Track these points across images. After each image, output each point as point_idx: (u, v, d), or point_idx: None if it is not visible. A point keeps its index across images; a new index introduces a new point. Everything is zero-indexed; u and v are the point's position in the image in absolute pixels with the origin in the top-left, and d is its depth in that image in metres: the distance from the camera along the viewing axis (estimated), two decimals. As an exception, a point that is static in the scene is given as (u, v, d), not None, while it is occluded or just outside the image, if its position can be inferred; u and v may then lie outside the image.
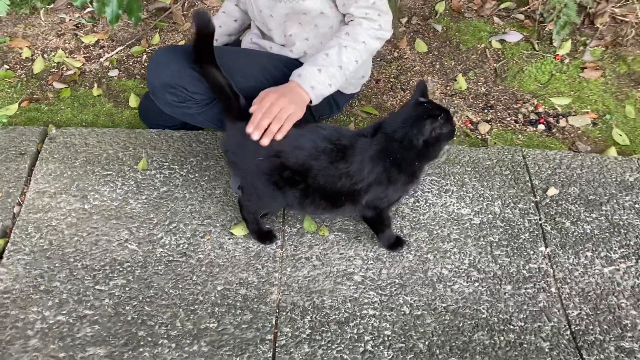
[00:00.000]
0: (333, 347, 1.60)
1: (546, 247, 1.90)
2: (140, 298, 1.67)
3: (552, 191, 2.06)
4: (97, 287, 1.68)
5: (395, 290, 1.75)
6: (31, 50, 2.59)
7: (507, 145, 2.28)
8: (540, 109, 2.45)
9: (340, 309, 1.69)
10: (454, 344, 1.64)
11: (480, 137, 2.36)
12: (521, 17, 2.79)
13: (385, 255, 1.84)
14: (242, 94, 1.69)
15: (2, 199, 1.88)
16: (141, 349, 1.55)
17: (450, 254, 1.86)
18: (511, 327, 1.69)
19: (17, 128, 2.12)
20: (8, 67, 2.51)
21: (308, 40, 1.86)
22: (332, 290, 1.73)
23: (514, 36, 2.70)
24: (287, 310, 1.68)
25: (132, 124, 2.28)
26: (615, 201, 2.02)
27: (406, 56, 2.62)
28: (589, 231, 1.95)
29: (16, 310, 1.61)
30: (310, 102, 1.75)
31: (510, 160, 2.15)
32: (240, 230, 1.85)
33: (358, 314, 1.68)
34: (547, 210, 2.00)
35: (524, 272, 1.83)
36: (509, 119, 2.44)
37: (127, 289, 1.68)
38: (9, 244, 1.76)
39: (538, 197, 2.04)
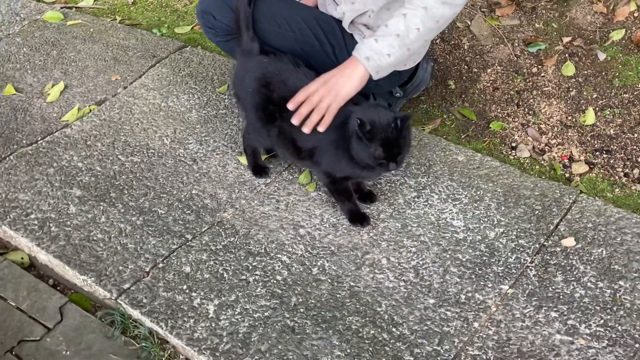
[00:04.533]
0: (224, 264, 1.79)
1: (510, 288, 1.73)
2: (137, 174, 2.09)
3: (569, 242, 1.83)
4: (119, 155, 2.15)
5: (322, 254, 1.83)
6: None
7: (593, 194, 2.05)
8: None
9: (263, 244, 1.86)
10: (323, 313, 1.67)
11: (567, 175, 2.16)
12: None
13: (344, 226, 1.92)
14: (262, 35, 1.96)
15: (118, 81, 2.50)
16: (103, 204, 1.98)
17: (404, 250, 1.84)
18: (392, 329, 1.63)
19: (167, 39, 2.73)
20: None
21: (354, 4, 2.00)
22: (272, 230, 1.90)
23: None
24: (222, 227, 1.91)
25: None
26: None
27: (543, 74, 2.48)
28: (578, 296, 1.70)
29: (62, 150, 2.18)
30: (371, 77, 1.82)
31: (553, 199, 1.95)
32: (244, 160, 2.13)
33: (272, 254, 1.83)
34: (547, 257, 1.80)
35: (462, 296, 1.71)
36: (620, 170, 2.15)
37: (135, 165, 2.12)
38: (95, 110, 2.37)
39: (550, 242, 1.84)
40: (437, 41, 2.65)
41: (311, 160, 1.86)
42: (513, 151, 2.26)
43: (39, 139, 2.23)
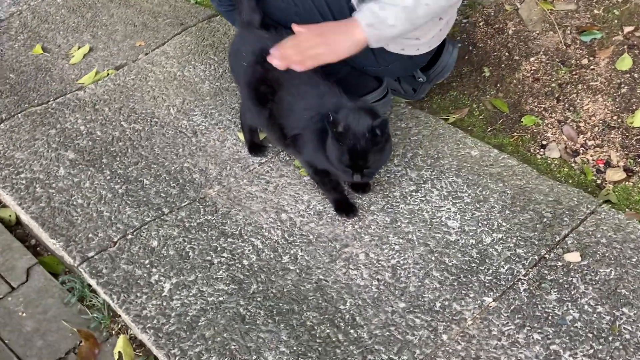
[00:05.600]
0: (192, 243, 1.72)
1: (494, 301, 1.56)
2: (134, 142, 2.05)
3: (574, 257, 1.62)
4: (122, 122, 2.13)
5: (299, 242, 1.72)
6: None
7: (624, 205, 1.82)
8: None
9: (239, 226, 1.77)
10: (280, 305, 1.56)
11: (598, 182, 1.93)
12: None
13: (329, 215, 1.79)
14: (265, 6, 1.86)
15: (142, 46, 2.48)
16: (92, 169, 1.95)
17: (387, 247, 1.69)
18: (350, 330, 1.50)
19: (200, 7, 2.67)
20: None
21: None
22: (254, 212, 1.81)
23: None
24: (203, 204, 1.84)
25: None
26: (640, 307, 1.48)
27: (593, 67, 2.22)
28: (569, 319, 1.50)
29: (69, 112, 2.19)
30: (368, 45, 1.69)
31: (567, 208, 1.74)
32: (243, 136, 2.05)
33: (246, 237, 1.74)
34: (544, 271, 1.60)
35: (437, 304, 1.56)
36: (662, 183, 1.90)
37: (135, 133, 2.09)
38: (112, 74, 2.35)
39: (552, 254, 1.64)
40: (480, 24, 2.44)
41: (295, 148, 1.76)
42: (542, 150, 2.05)
43: (51, 99, 2.25)
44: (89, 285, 1.67)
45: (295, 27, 1.68)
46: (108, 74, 2.35)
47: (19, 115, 2.17)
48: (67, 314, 1.64)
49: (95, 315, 1.62)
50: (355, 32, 1.65)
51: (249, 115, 1.92)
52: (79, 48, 2.49)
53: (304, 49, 1.67)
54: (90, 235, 1.76)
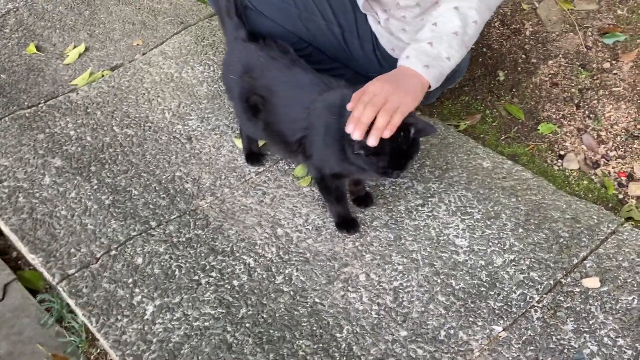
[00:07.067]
0: (179, 260, 1.59)
1: (504, 330, 1.42)
2: (125, 148, 1.93)
3: (593, 283, 1.48)
4: (114, 127, 2.00)
5: (295, 260, 1.59)
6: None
7: None
8: None
9: (231, 242, 1.64)
10: (271, 331, 1.44)
11: (620, 196, 1.78)
12: None
13: (328, 231, 1.66)
14: (262, 8, 1.74)
15: (139, 46, 2.36)
16: (78, 177, 1.83)
17: (389, 267, 1.56)
18: (345, 362, 1.38)
19: (201, 5, 2.54)
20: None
21: None
22: (248, 227, 1.68)
23: None
24: (194, 217, 1.72)
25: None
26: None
27: (616, 71, 2.07)
28: (587, 353, 1.36)
29: (60, 116, 2.07)
30: (429, 87, 1.49)
31: (587, 227, 1.60)
32: (240, 143, 1.92)
33: (237, 255, 1.61)
34: (560, 298, 1.46)
35: (442, 333, 1.42)
36: (690, 199, 1.75)
37: (127, 138, 1.97)
38: (107, 75, 2.23)
39: (569, 279, 1.50)
40: (495, 24, 2.29)
41: (304, 153, 1.61)
42: (559, 160, 1.91)
43: (42, 101, 2.13)
44: (68, 305, 1.56)
45: (349, 105, 1.41)
46: (103, 75, 2.24)
47: (6, 118, 2.06)
48: (43, 336, 1.52)
49: (72, 338, 1.50)
50: (416, 76, 1.45)
51: (245, 128, 1.81)
52: (75, 47, 2.37)
53: (380, 104, 1.37)
54: (72, 250, 1.64)
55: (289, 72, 1.62)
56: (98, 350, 1.50)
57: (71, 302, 1.53)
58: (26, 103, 2.13)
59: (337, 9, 1.76)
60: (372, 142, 1.34)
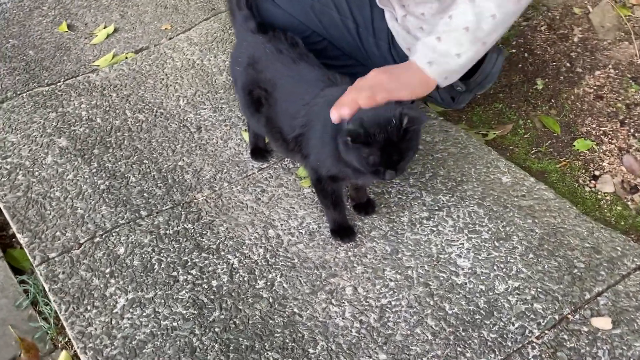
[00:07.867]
0: (161, 254, 1.51)
1: (495, 366, 1.27)
2: (133, 133, 1.87)
3: (603, 324, 1.31)
4: (126, 110, 1.96)
5: (281, 265, 1.49)
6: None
7: None
8: None
9: (219, 239, 1.55)
10: (240, 339, 1.33)
11: (633, 207, 1.60)
12: None
13: (322, 237, 1.55)
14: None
15: (167, 30, 2.31)
16: (80, 159, 1.79)
17: (380, 282, 1.44)
18: (312, 382, 1.26)
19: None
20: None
21: None
22: (240, 225, 1.59)
23: None
24: (187, 209, 1.64)
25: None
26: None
27: (669, 90, 1.86)
28: (585, 402, 1.20)
29: (75, 96, 2.04)
30: (438, 85, 1.40)
31: (607, 259, 1.43)
32: (248, 137, 1.83)
33: (222, 254, 1.52)
34: (563, 336, 1.30)
35: (424, 361, 1.29)
36: None
37: (136, 123, 1.91)
38: (130, 58, 2.19)
39: (577, 316, 1.33)
40: (542, 28, 2.11)
41: (300, 152, 1.51)
42: (593, 181, 1.73)
43: (62, 80, 2.11)
44: (44, 289, 1.51)
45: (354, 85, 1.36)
46: (126, 58, 2.20)
47: (24, 94, 2.05)
48: (16, 318, 1.48)
49: (42, 324, 1.46)
50: (419, 72, 1.37)
51: (250, 123, 1.72)
52: (104, 28, 2.35)
53: (367, 87, 1.33)
54: (57, 233, 1.59)
55: (295, 66, 1.52)
56: (66, 339, 1.44)
57: (46, 287, 1.48)
58: (46, 81, 2.12)
59: (353, 2, 1.65)
60: (345, 111, 1.28)
